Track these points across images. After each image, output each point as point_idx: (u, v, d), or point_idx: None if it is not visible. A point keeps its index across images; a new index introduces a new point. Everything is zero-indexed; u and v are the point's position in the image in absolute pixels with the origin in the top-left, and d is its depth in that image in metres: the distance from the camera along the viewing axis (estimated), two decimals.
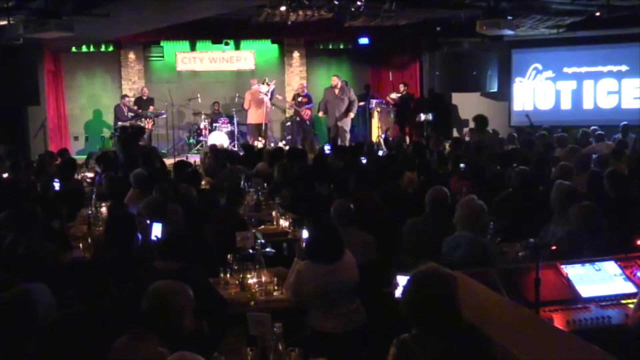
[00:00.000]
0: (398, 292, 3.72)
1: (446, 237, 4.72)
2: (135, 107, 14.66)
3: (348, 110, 14.23)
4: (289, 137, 15.32)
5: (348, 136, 14.21)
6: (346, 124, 14.28)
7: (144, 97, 14.88)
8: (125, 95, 14.80)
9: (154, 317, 2.98)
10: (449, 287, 2.64)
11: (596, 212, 4.66)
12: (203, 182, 8.12)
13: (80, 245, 5.55)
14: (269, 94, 14.45)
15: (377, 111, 14.74)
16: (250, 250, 4.80)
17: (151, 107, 14.70)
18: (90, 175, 9.78)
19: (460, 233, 4.64)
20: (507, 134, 12.60)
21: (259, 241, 5.08)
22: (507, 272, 3.82)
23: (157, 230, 5.08)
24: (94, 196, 6.99)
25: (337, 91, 14.17)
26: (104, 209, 6.63)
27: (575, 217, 4.68)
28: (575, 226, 4.65)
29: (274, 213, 6.53)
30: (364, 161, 9.10)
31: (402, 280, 3.48)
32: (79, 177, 9.47)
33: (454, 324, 2.61)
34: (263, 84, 14.40)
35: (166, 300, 3.00)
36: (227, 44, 15.63)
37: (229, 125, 14.67)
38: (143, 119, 14.20)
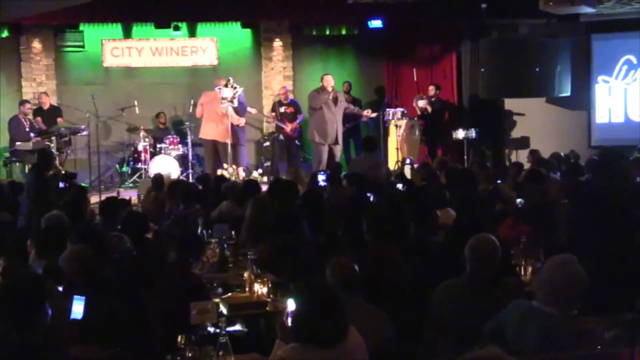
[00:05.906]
0: None
1: (513, 304, 4.69)
2: (39, 119, 14.63)
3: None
4: (267, 164, 15.34)
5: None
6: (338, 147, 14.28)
7: (45, 107, 14.85)
8: (26, 101, 14.75)
9: None
10: None
11: None
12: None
13: None
14: (235, 102, 14.28)
15: (396, 125, 14.77)
16: (212, 329, 4.80)
17: (59, 119, 14.69)
18: None
19: (539, 306, 4.58)
20: (586, 158, 12.64)
21: (223, 315, 5.04)
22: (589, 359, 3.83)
23: (78, 307, 5.06)
24: None
25: (331, 96, 14.09)
26: None
27: None
28: None
29: (245, 274, 6.52)
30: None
31: None
32: None
33: None
34: (226, 86, 14.28)
35: None
36: (177, 28, 15.75)
37: (179, 146, 14.73)
38: (53, 138, 14.19)
